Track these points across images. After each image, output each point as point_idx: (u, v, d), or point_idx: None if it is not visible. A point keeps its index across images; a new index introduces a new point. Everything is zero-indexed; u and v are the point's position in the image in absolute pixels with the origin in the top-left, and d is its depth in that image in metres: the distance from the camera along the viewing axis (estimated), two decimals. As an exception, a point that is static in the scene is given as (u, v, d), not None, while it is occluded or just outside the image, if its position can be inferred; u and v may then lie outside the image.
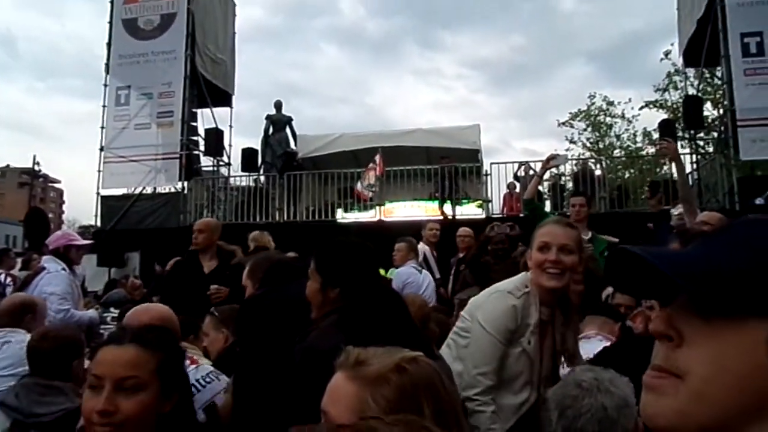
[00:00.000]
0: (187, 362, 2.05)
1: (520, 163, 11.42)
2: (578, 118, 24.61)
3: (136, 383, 1.36)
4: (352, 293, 1.92)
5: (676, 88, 20.23)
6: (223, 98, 13.86)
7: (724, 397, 0.58)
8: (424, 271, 5.41)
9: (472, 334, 2.23)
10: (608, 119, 24.20)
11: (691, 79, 14.41)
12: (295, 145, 12.83)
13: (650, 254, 0.60)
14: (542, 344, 2.25)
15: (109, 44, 12.68)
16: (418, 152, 12.02)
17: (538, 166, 10.97)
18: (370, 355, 1.07)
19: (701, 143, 13.14)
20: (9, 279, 6.02)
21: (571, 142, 24.36)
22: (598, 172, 11.89)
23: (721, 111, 13.00)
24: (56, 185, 73.87)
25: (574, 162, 12.57)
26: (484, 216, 10.71)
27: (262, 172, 12.80)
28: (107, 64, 12.64)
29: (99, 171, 12.25)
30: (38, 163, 48.23)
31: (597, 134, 24.53)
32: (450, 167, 10.96)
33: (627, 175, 17.29)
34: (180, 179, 11.98)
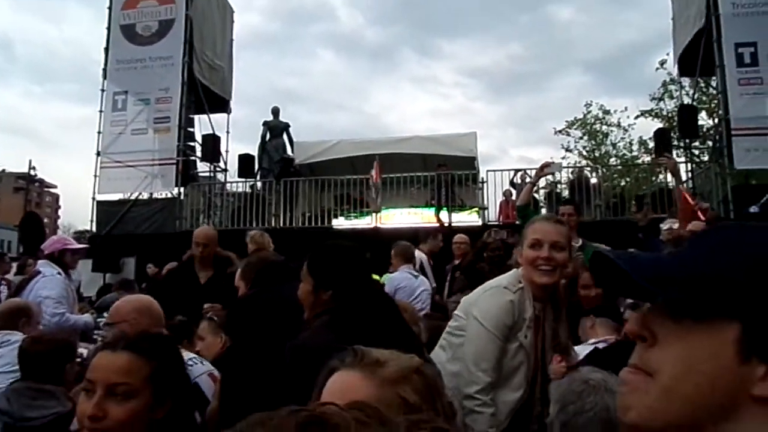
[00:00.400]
0: None
1: (516, 170, 11.46)
2: (575, 127, 24.77)
3: (127, 390, 1.37)
4: (344, 295, 1.94)
5: (671, 98, 20.40)
6: (221, 104, 13.88)
7: (691, 395, 0.59)
8: (420, 277, 5.35)
9: (469, 331, 2.23)
10: (604, 128, 24.36)
11: (687, 88, 14.52)
12: (292, 151, 12.85)
13: (622, 259, 0.63)
14: (535, 339, 2.27)
15: (106, 49, 12.71)
16: (415, 159, 12.05)
17: (534, 173, 11.06)
18: (387, 356, 1.08)
19: (696, 152, 13.23)
20: (3, 283, 6.00)
21: (568, 150, 24.50)
22: (593, 180, 11.94)
23: (716, 120, 13.08)
24: (52, 190, 73.62)
25: (570, 170, 12.61)
26: (480, 223, 10.72)
27: (258, 178, 12.81)
28: (105, 70, 12.66)
29: (95, 176, 12.25)
30: (34, 168, 48.18)
31: (593, 142, 24.65)
32: (447, 175, 10.99)
33: (623, 183, 17.36)
34: (176, 185, 11.98)
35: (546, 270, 2.22)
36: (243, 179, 12.92)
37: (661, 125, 18.81)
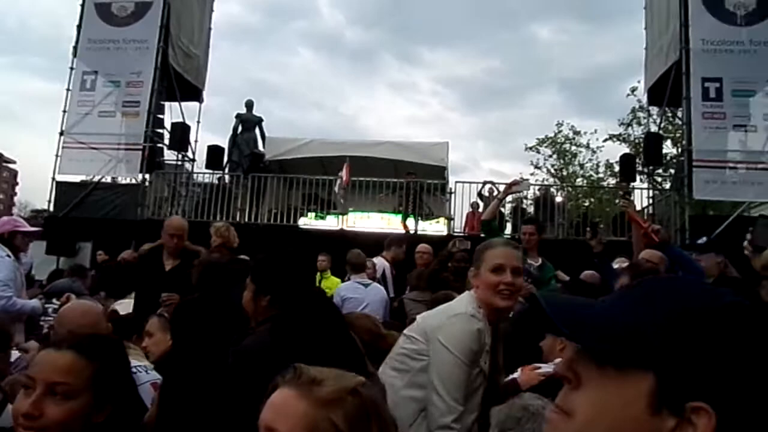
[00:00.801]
0: None
1: (484, 183, 11.60)
2: (545, 145, 25.18)
3: (66, 390, 1.34)
4: (282, 302, 1.93)
5: (639, 124, 20.92)
6: (193, 93, 13.64)
7: None
8: (371, 286, 5.23)
9: (437, 358, 2.18)
10: (573, 148, 24.83)
11: (654, 116, 14.94)
12: (263, 146, 12.73)
13: (551, 306, 0.65)
14: (490, 362, 2.29)
15: (79, 27, 12.35)
16: (385, 165, 12.07)
17: (502, 188, 11.22)
18: (325, 374, 1.07)
19: (659, 179, 13.61)
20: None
21: (536, 167, 24.91)
22: (559, 199, 12.17)
23: (680, 150, 13.49)
24: (10, 165, 71.23)
25: (537, 187, 12.83)
26: (446, 233, 10.81)
27: (227, 170, 12.64)
28: (75, 48, 12.31)
29: (57, 155, 11.88)
30: (-7, 141, 46.43)
31: (562, 161, 25.12)
32: (416, 183, 11.05)
33: (587, 204, 17.75)
34: (141, 171, 11.71)
35: (507, 295, 2.25)
36: (210, 171, 12.71)
37: (627, 150, 19.28)
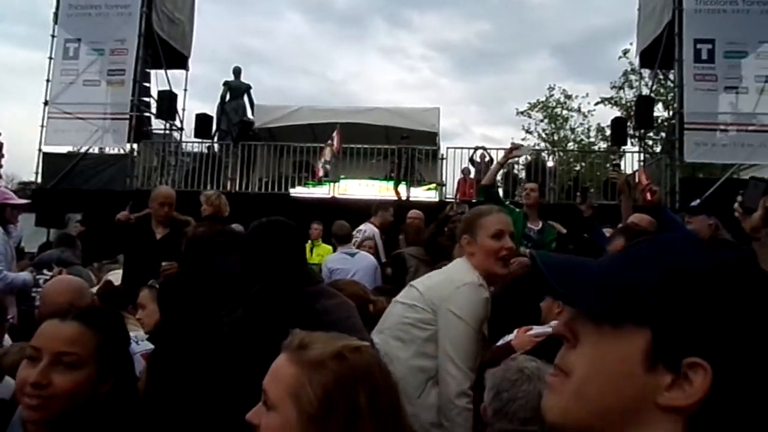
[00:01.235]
0: None
1: (476, 148, 11.55)
2: (536, 109, 25.08)
3: (73, 360, 1.35)
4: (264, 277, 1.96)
5: (631, 87, 20.85)
6: (179, 60, 13.35)
7: (599, 398, 0.61)
8: (358, 255, 5.21)
9: (449, 328, 2.17)
10: (565, 112, 24.76)
11: (646, 79, 14.83)
12: (252, 114, 12.58)
13: (547, 266, 0.64)
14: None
15: (58, -8, 12.00)
16: (376, 131, 11.98)
17: (494, 153, 11.24)
18: (314, 339, 1.08)
19: (650, 143, 13.61)
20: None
21: (528, 132, 24.86)
22: (550, 164, 12.17)
23: (671, 113, 13.46)
24: (-5, 137, 70.05)
25: (528, 152, 12.80)
26: (437, 200, 10.81)
27: (216, 139, 12.50)
28: (56, 14, 11.96)
29: (42, 126, 11.66)
30: (-24, 113, 45.56)
31: (553, 126, 25.05)
32: (408, 149, 10.99)
33: (578, 168, 17.76)
34: (129, 141, 11.54)
35: (507, 261, 2.29)
36: (199, 140, 12.57)
37: (619, 113, 19.24)
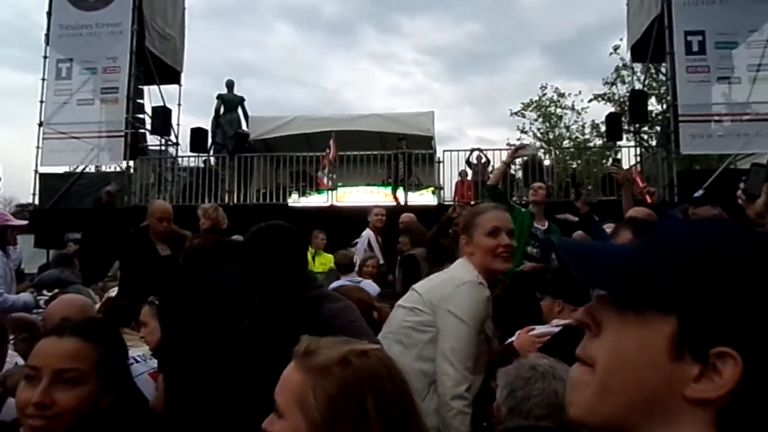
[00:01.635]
0: None
1: (472, 150, 11.56)
2: (530, 109, 25.11)
3: (75, 376, 1.32)
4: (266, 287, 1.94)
5: (623, 82, 20.89)
6: (172, 75, 13.38)
7: (623, 390, 0.58)
8: (361, 282, 5.00)
9: (447, 328, 2.13)
10: (558, 110, 24.79)
11: (638, 74, 14.88)
12: (247, 126, 12.57)
13: (565, 250, 0.62)
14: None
15: (49, 13, 11.98)
16: (372, 137, 11.98)
17: (490, 154, 11.27)
18: (321, 345, 1.06)
19: (645, 137, 13.62)
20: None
21: (523, 131, 24.86)
22: (547, 163, 12.18)
23: (665, 106, 13.50)
24: (-9, 161, 70.01)
25: (535, 151, 12.83)
26: (436, 203, 10.80)
27: (212, 153, 12.49)
28: (47, 35, 11.97)
29: (38, 147, 11.65)
30: (-29, 137, 45.56)
31: (547, 125, 25.08)
32: (404, 153, 10.99)
33: (575, 165, 17.77)
34: (125, 158, 11.53)
35: (506, 257, 2.25)
36: (195, 154, 12.55)
37: (613, 109, 19.28)
